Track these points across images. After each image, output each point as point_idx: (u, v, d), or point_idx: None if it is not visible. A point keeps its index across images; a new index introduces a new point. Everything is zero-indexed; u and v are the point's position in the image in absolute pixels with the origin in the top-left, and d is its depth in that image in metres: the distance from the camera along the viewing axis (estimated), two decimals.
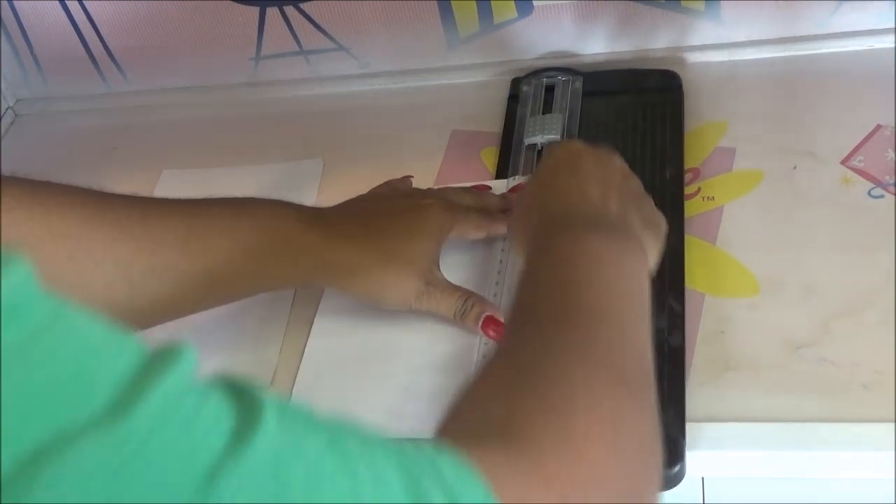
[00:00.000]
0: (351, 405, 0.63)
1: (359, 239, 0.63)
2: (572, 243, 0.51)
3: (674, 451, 0.56)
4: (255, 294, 0.65)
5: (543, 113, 0.81)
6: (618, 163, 0.60)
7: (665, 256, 0.65)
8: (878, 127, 0.75)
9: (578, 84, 0.83)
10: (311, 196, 0.81)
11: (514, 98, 0.84)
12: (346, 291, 0.65)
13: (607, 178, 0.57)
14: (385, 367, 0.65)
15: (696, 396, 0.59)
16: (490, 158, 0.81)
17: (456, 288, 0.64)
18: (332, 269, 0.63)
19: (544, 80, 0.84)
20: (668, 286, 0.65)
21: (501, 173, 0.77)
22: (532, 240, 0.55)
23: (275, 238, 0.61)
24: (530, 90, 0.84)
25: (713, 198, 0.73)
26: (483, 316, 0.63)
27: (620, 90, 0.83)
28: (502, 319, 0.63)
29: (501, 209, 0.70)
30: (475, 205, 0.69)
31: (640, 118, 0.79)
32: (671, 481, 0.56)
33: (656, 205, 0.62)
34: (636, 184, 0.60)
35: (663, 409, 0.57)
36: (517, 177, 0.75)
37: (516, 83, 0.85)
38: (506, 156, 0.79)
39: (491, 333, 0.64)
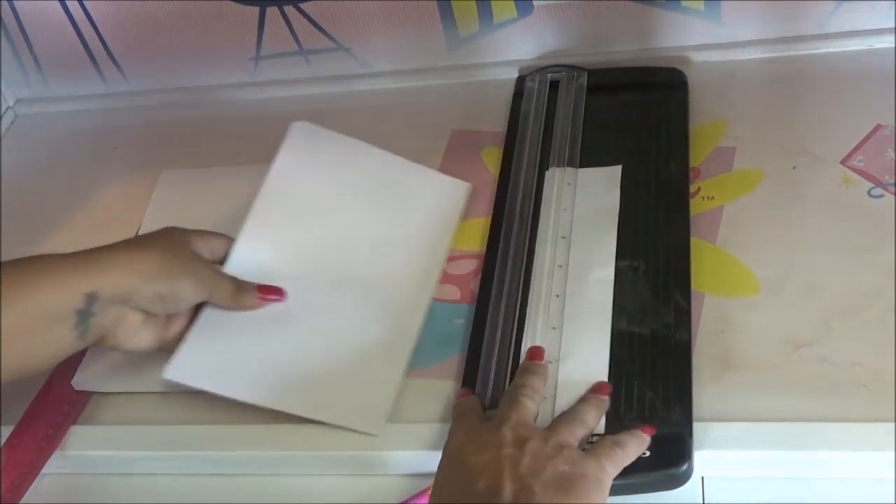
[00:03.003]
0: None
1: None
2: None
3: (681, 449, 0.56)
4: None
5: (547, 108, 0.81)
6: (507, 436, 0.54)
7: (671, 252, 0.65)
8: (878, 127, 0.75)
9: (583, 80, 0.83)
10: None
11: (518, 95, 0.84)
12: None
13: (496, 460, 0.53)
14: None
15: (696, 396, 0.59)
16: (490, 158, 0.81)
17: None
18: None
19: (549, 76, 0.84)
20: (675, 282, 0.65)
21: (506, 170, 0.77)
22: None
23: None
24: (535, 86, 0.84)
25: (713, 197, 0.73)
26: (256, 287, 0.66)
27: (625, 87, 0.83)
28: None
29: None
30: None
31: (644, 115, 0.79)
32: (679, 480, 0.56)
33: (663, 203, 0.61)
34: (536, 445, 0.54)
35: (668, 407, 0.58)
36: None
37: (521, 81, 0.85)
38: (510, 152, 0.78)
39: (271, 297, 0.66)
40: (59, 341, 0.59)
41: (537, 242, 0.70)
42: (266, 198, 0.72)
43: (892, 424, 0.56)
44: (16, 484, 0.63)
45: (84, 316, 0.59)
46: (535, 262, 0.68)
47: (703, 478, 0.58)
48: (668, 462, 0.56)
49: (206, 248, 0.67)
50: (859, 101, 0.78)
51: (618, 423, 0.58)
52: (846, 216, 0.69)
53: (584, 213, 0.72)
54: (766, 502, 0.57)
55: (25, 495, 0.63)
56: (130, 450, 0.65)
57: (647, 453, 0.56)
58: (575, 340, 0.63)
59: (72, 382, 0.69)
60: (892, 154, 0.73)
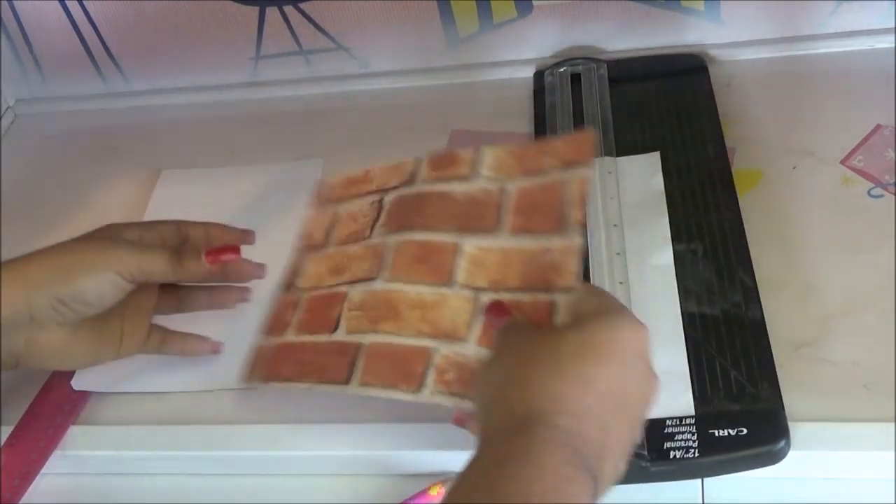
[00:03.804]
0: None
1: None
2: (538, 476, 0.41)
3: (777, 426, 0.56)
4: None
5: (574, 100, 0.80)
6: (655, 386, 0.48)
7: (726, 232, 0.64)
8: (878, 127, 0.75)
9: (603, 71, 0.83)
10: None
11: (539, 92, 0.84)
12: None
13: (639, 402, 0.47)
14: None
15: None
16: None
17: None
18: None
19: (569, 69, 0.84)
20: (736, 260, 0.65)
21: None
22: (500, 431, 0.45)
23: None
24: (556, 80, 0.84)
25: None
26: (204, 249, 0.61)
27: (646, 76, 0.83)
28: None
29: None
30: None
31: (670, 102, 0.80)
32: (776, 457, 0.55)
33: (708, 185, 0.64)
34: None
35: (755, 384, 0.58)
36: None
37: (539, 77, 0.85)
38: None
39: (225, 256, 0.62)
40: None
41: (590, 232, 0.69)
42: None
43: (892, 424, 0.56)
44: (16, 484, 0.63)
45: None
46: (591, 252, 0.68)
47: (702, 478, 0.58)
48: (766, 439, 0.56)
49: (150, 237, 0.63)
50: (859, 101, 0.78)
51: (706, 404, 0.58)
52: (846, 216, 0.69)
53: (631, 200, 0.72)
54: (766, 502, 0.57)
55: (25, 495, 0.63)
56: (130, 450, 0.65)
57: (744, 430, 0.56)
58: (648, 326, 0.63)
59: (71, 382, 0.69)
60: (892, 154, 0.73)
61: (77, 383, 0.69)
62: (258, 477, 0.64)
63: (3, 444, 0.65)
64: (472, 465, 0.44)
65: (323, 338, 0.61)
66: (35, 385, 0.69)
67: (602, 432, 0.44)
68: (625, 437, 0.46)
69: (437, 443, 0.60)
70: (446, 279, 0.58)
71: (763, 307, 0.62)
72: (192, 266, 0.61)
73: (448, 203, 0.61)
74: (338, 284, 0.63)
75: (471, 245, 0.59)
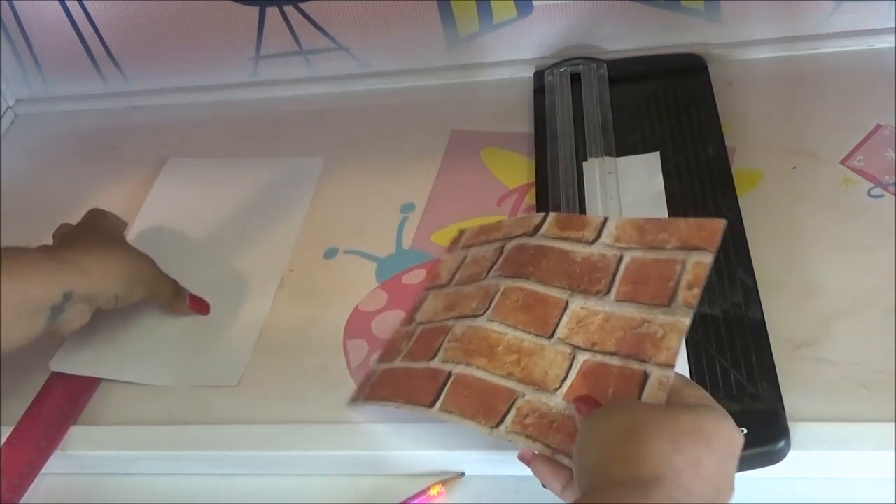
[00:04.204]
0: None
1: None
2: None
3: (777, 425, 0.56)
4: None
5: (573, 100, 0.81)
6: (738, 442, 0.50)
7: (726, 233, 0.64)
8: (878, 127, 0.75)
9: (603, 71, 0.83)
10: (309, 193, 0.81)
11: (539, 92, 0.84)
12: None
13: (725, 498, 0.49)
14: None
15: None
16: (490, 158, 0.81)
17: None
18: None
19: (568, 69, 0.84)
20: (736, 260, 0.65)
21: (541, 164, 0.77)
22: (616, 484, 0.46)
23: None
24: (556, 80, 0.84)
25: None
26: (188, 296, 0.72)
27: (646, 76, 0.83)
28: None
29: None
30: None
31: (670, 101, 0.80)
32: (776, 457, 0.55)
33: (707, 185, 0.65)
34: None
35: (755, 384, 0.58)
36: None
37: (539, 77, 0.86)
38: (542, 147, 0.78)
39: (196, 309, 0.72)
40: (29, 330, 0.62)
41: None
42: (143, 220, 0.82)
43: (892, 424, 0.56)
44: (16, 484, 0.63)
45: (56, 311, 0.63)
46: None
47: None
48: (766, 439, 0.56)
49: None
50: (859, 101, 0.78)
51: None
52: (846, 216, 0.69)
53: (631, 200, 0.72)
54: (766, 502, 0.57)
55: (25, 495, 0.63)
56: (130, 450, 0.65)
57: (744, 430, 0.55)
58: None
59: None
60: (892, 154, 0.73)
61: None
62: (258, 477, 0.64)
63: (3, 444, 0.65)
64: None
65: (421, 364, 0.62)
66: (35, 385, 0.69)
67: None
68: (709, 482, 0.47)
69: (437, 443, 0.60)
70: (548, 331, 0.60)
71: (763, 307, 0.62)
72: (180, 309, 0.72)
73: (566, 261, 0.63)
74: (447, 319, 0.65)
75: (577, 304, 0.61)
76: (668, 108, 0.79)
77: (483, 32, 0.88)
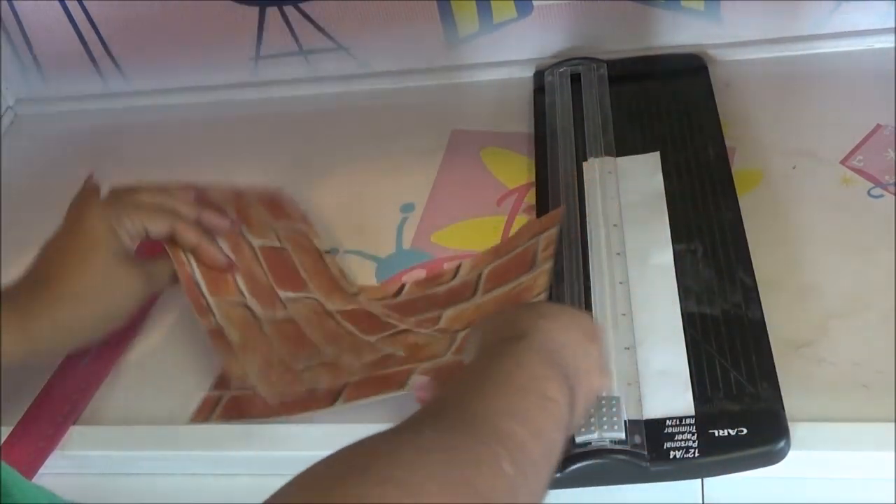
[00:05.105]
0: None
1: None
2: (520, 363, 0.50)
3: (777, 425, 0.56)
4: None
5: (573, 100, 0.81)
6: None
7: (726, 232, 0.65)
8: (878, 127, 0.75)
9: (603, 71, 0.83)
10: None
11: (539, 92, 0.84)
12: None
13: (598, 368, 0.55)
14: None
15: None
16: (490, 158, 0.81)
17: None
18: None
19: (568, 69, 0.84)
20: (736, 261, 0.65)
21: (541, 164, 0.77)
22: (490, 345, 0.53)
23: None
24: (556, 80, 0.84)
25: None
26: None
27: (645, 76, 0.83)
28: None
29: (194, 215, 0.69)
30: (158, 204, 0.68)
31: (670, 102, 0.80)
32: (776, 457, 0.55)
33: (708, 185, 0.68)
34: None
35: (755, 384, 0.58)
36: None
37: (539, 77, 0.85)
38: (542, 147, 0.78)
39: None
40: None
41: (589, 232, 0.69)
42: None
43: (892, 424, 0.55)
44: None
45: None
46: (590, 252, 0.68)
47: (702, 478, 0.58)
48: (766, 439, 0.55)
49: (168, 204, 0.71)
50: (859, 101, 0.78)
51: (706, 404, 0.57)
52: (846, 216, 0.69)
53: (631, 200, 0.72)
54: (765, 502, 0.57)
55: None
56: (130, 450, 0.65)
57: (744, 430, 0.56)
58: (647, 326, 0.63)
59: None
60: (892, 154, 0.73)
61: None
62: (258, 477, 0.64)
63: (3, 444, 0.65)
64: (465, 369, 0.53)
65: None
66: (35, 385, 0.69)
67: (575, 360, 0.52)
68: (593, 378, 0.53)
69: None
70: (430, 328, 0.67)
71: (763, 307, 0.62)
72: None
73: (431, 300, 0.70)
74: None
75: (449, 312, 0.68)
76: (668, 108, 0.79)
77: (483, 32, 0.88)
